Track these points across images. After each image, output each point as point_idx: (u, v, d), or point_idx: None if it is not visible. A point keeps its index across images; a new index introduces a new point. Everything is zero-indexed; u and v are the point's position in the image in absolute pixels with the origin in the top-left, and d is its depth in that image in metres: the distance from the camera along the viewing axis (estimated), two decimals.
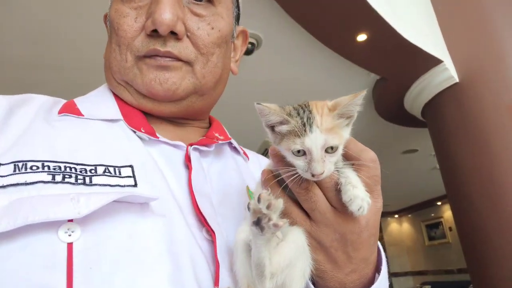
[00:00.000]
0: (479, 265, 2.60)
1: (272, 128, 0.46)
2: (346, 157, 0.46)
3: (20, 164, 0.44)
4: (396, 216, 10.29)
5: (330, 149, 0.42)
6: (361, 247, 0.49)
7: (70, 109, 0.57)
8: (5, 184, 0.41)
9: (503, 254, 2.38)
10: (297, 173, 0.44)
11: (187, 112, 0.62)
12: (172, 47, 0.57)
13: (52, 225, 0.39)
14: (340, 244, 0.48)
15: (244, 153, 0.72)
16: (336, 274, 0.49)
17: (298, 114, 0.42)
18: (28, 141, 0.48)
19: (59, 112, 0.56)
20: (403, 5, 2.78)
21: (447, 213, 8.32)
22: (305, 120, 0.41)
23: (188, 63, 0.59)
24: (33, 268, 0.38)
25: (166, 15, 0.54)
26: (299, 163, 0.43)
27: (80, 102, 0.60)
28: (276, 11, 2.43)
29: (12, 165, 0.44)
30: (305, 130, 0.41)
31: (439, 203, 8.72)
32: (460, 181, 2.75)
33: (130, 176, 0.48)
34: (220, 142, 0.64)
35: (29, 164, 0.44)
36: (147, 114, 0.62)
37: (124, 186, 0.47)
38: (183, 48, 0.58)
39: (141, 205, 0.45)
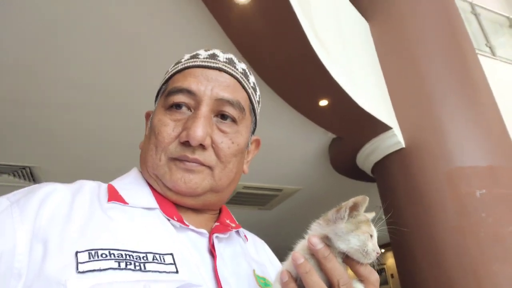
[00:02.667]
0: None
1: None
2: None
3: (93, 252, 0.53)
4: None
5: None
6: None
7: (116, 197, 0.66)
8: (85, 270, 0.50)
9: None
10: None
11: (204, 204, 0.73)
12: (199, 155, 0.68)
13: None
14: None
15: (244, 235, 0.83)
16: None
17: None
18: (93, 229, 0.57)
19: (108, 200, 0.65)
20: (360, 77, 3.17)
21: (389, 260, 8.69)
22: None
23: (209, 167, 0.70)
24: None
25: (199, 133, 0.66)
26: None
27: (121, 189, 0.70)
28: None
29: (87, 253, 0.52)
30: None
31: (382, 250, 9.12)
32: (403, 233, 3.02)
33: (171, 263, 0.57)
34: (233, 230, 0.75)
35: (100, 252, 0.53)
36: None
37: (169, 272, 0.56)
38: (207, 156, 0.70)
39: None
